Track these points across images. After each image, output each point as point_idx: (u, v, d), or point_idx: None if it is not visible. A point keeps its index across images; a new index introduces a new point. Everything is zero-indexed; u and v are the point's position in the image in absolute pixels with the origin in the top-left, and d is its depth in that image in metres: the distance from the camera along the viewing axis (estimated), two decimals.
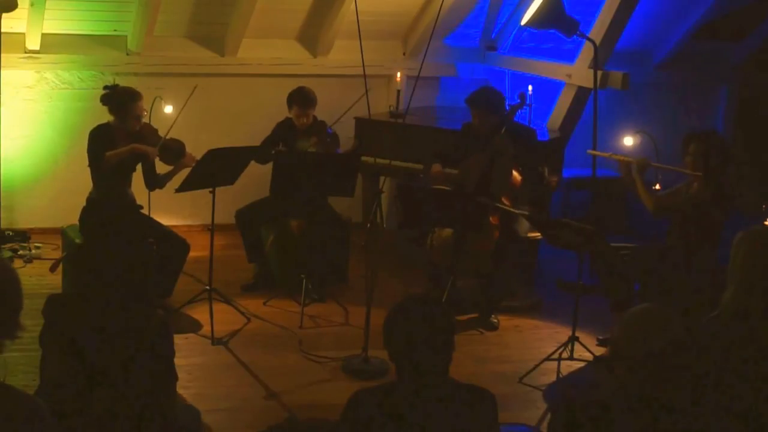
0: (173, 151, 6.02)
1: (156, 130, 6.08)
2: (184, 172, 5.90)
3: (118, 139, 5.90)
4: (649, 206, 5.63)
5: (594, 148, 6.03)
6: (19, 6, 6.58)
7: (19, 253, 6.98)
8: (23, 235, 7.23)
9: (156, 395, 3.41)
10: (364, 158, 6.68)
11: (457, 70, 8.33)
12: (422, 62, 5.97)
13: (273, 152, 6.24)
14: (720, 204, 5.53)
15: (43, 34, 7.05)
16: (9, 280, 2.69)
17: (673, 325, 3.02)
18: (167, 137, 6.00)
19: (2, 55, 6.69)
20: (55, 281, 6.22)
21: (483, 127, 6.12)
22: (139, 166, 6.07)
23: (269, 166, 6.45)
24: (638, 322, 3.03)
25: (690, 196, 5.58)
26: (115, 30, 7.31)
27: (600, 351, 5.54)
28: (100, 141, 5.87)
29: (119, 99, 5.89)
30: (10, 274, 2.71)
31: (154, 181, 6.11)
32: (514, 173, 5.98)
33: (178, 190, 5.86)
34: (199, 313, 5.93)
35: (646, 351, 2.96)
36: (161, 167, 6.13)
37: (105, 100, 5.93)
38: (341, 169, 6.10)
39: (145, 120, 6.04)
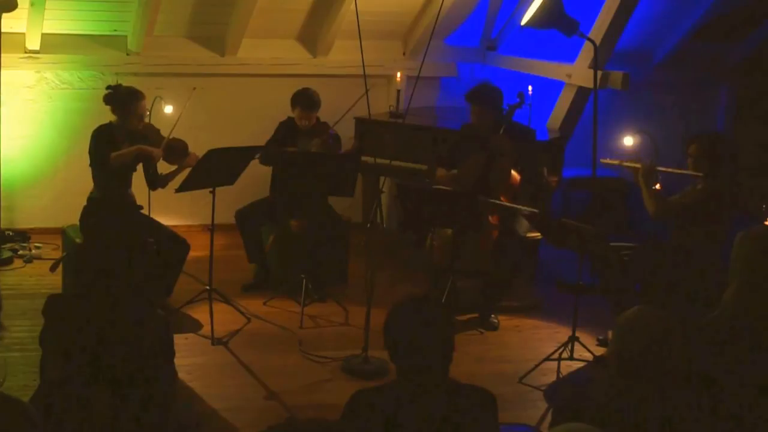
0: (177, 150, 6.02)
1: (158, 130, 6.08)
2: (185, 172, 5.90)
3: (120, 139, 5.90)
4: (651, 211, 5.63)
5: (594, 149, 6.02)
6: (19, 6, 6.58)
7: (19, 253, 6.98)
8: (23, 235, 7.23)
9: (156, 395, 3.41)
10: (364, 158, 6.68)
11: (457, 70, 8.33)
12: (422, 62, 5.97)
13: (280, 151, 6.25)
14: (723, 204, 5.53)
15: (43, 34, 7.05)
16: None
17: (671, 327, 3.02)
18: (170, 137, 6.01)
19: (2, 55, 6.68)
20: (55, 281, 6.22)
21: (481, 123, 6.12)
22: (139, 166, 6.07)
23: (269, 165, 6.47)
24: (635, 325, 3.03)
25: (694, 196, 5.58)
26: (115, 30, 7.31)
27: (600, 351, 5.54)
28: (103, 141, 5.87)
29: (122, 98, 5.89)
30: None
31: (156, 181, 6.12)
32: (513, 173, 5.98)
33: (178, 190, 5.86)
34: (199, 313, 5.93)
35: (643, 353, 2.96)
36: (163, 167, 6.13)
37: (108, 99, 5.93)
38: (341, 169, 6.10)
39: (145, 120, 6.05)
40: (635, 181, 5.80)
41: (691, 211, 5.57)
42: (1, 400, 2.63)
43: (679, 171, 5.69)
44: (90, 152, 5.93)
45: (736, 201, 5.62)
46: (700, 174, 5.53)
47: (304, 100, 6.47)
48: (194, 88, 6.14)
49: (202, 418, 4.59)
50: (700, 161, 5.55)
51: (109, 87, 5.98)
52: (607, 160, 5.97)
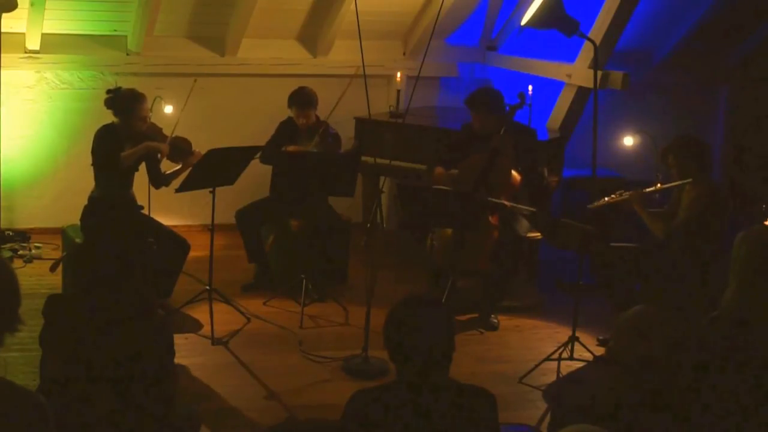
0: (181, 149, 6.03)
1: (161, 129, 6.09)
2: (188, 170, 5.91)
3: (124, 139, 5.90)
4: (659, 232, 5.64)
5: (594, 149, 6.02)
6: (19, 6, 6.58)
7: (19, 253, 6.98)
8: (23, 235, 7.23)
9: (156, 395, 3.41)
10: (364, 158, 6.68)
11: (458, 70, 8.33)
12: (422, 62, 5.97)
13: (280, 151, 6.25)
14: (720, 201, 5.54)
15: (43, 34, 7.05)
16: (5, 273, 2.70)
17: (670, 327, 3.02)
18: (174, 135, 6.01)
19: (2, 55, 6.69)
20: (55, 281, 6.22)
21: (483, 128, 6.13)
22: (142, 166, 6.07)
23: (269, 165, 6.47)
24: (635, 325, 3.04)
25: (690, 203, 5.58)
26: (115, 30, 7.31)
27: (600, 351, 5.54)
28: (108, 141, 5.86)
29: (123, 102, 5.87)
30: (6, 268, 2.72)
31: (159, 179, 6.11)
32: (514, 173, 5.99)
33: (178, 190, 5.86)
34: (199, 313, 5.93)
35: (643, 353, 2.96)
36: (165, 166, 6.13)
37: (109, 103, 5.91)
38: (341, 169, 6.10)
39: (148, 121, 6.04)
40: (629, 212, 5.79)
41: (698, 220, 5.56)
42: (14, 391, 2.64)
43: (668, 185, 5.72)
44: (94, 152, 5.91)
45: (732, 197, 5.62)
46: (689, 180, 5.54)
47: (300, 98, 6.48)
48: (195, 80, 6.14)
49: (202, 418, 4.59)
50: (685, 167, 5.57)
51: (109, 91, 5.96)
52: (594, 205, 5.96)
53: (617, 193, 5.84)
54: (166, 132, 6.05)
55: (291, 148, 6.36)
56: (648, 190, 5.74)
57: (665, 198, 5.90)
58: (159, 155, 5.98)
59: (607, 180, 7.59)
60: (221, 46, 7.61)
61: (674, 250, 5.64)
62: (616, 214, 6.42)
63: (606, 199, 5.87)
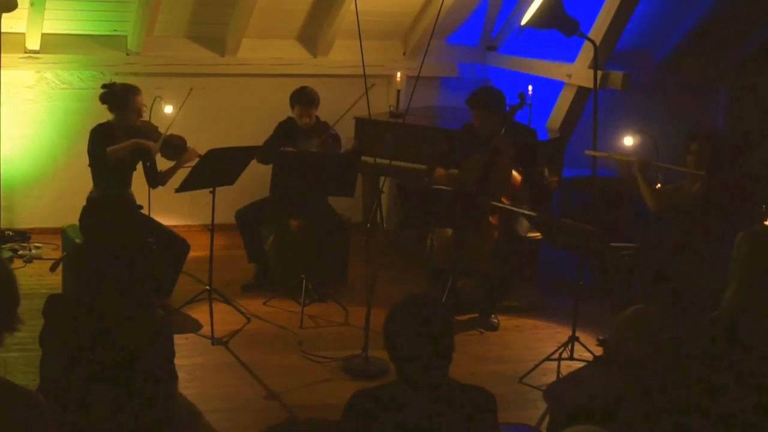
0: (175, 146, 6.03)
1: (156, 127, 6.09)
2: (185, 171, 5.90)
3: (118, 137, 5.90)
4: (651, 204, 5.63)
5: (594, 149, 6.03)
6: (19, 6, 6.59)
7: (19, 253, 6.98)
8: (23, 235, 7.23)
9: (156, 395, 3.41)
10: (364, 158, 6.68)
11: (458, 70, 8.33)
12: (422, 62, 5.97)
13: (280, 151, 6.26)
14: (722, 204, 5.54)
15: (43, 34, 7.05)
16: (4, 273, 2.71)
17: (665, 326, 3.02)
18: (168, 133, 6.02)
19: (2, 55, 6.69)
20: (55, 281, 6.22)
21: (484, 127, 6.13)
22: (139, 165, 6.07)
23: (269, 165, 6.47)
24: (630, 325, 3.04)
25: (692, 196, 5.58)
26: (115, 30, 7.31)
27: (600, 351, 5.54)
28: (100, 139, 5.87)
29: (118, 94, 5.89)
30: (4, 268, 2.73)
31: (156, 178, 6.11)
32: (514, 173, 5.99)
33: (178, 190, 5.86)
34: (199, 313, 5.93)
35: (638, 353, 2.96)
36: (162, 164, 6.13)
37: (104, 97, 5.93)
38: (341, 169, 6.11)
39: (143, 116, 6.05)
40: (623, 176, 5.78)
41: (691, 211, 5.56)
42: (14, 391, 2.64)
43: (678, 168, 5.68)
44: (88, 151, 5.92)
45: (735, 200, 5.61)
46: (702, 173, 5.52)
47: (302, 97, 6.48)
48: (191, 89, 6.14)
49: (202, 418, 4.59)
50: (702, 160, 5.54)
51: (104, 86, 5.98)
52: (595, 152, 5.93)
53: (623, 154, 5.79)
54: (162, 131, 6.05)
55: (290, 149, 6.36)
56: (657, 163, 5.71)
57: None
58: (152, 152, 5.98)
59: (607, 180, 7.59)
60: (221, 46, 7.61)
61: (673, 250, 5.64)
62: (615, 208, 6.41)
63: (610, 153, 5.84)
